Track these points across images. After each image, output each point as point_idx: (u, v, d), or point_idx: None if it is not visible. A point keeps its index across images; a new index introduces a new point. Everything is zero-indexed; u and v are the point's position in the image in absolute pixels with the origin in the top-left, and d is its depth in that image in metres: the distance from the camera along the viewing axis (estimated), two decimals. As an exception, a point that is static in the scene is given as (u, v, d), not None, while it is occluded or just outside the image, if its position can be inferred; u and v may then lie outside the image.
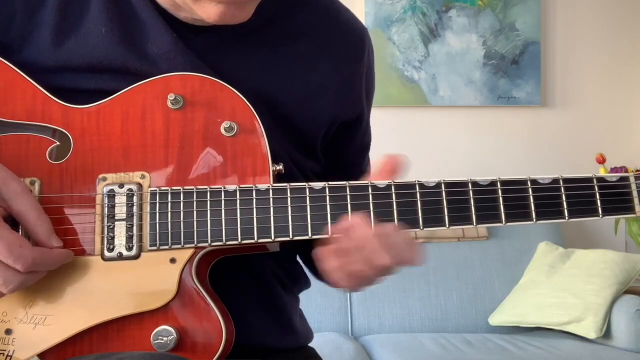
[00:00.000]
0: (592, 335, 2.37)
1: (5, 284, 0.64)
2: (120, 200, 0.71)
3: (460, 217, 0.71)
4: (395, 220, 0.70)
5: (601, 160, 2.78)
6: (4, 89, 0.73)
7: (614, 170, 2.79)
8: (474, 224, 0.71)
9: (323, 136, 0.85)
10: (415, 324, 2.65)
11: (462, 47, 3.10)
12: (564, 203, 0.71)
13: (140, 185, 0.71)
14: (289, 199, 0.70)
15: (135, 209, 0.71)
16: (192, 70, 0.75)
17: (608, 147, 3.02)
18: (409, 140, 3.10)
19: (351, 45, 0.88)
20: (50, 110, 0.73)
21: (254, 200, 0.70)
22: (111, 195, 0.71)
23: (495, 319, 2.63)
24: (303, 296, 0.95)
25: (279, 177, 0.74)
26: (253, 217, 0.70)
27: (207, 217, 0.70)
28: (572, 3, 3.20)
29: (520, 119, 3.17)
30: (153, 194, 0.71)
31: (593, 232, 3.14)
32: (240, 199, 0.71)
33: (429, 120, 3.12)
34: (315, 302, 2.63)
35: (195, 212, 0.70)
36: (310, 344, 0.94)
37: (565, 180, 0.72)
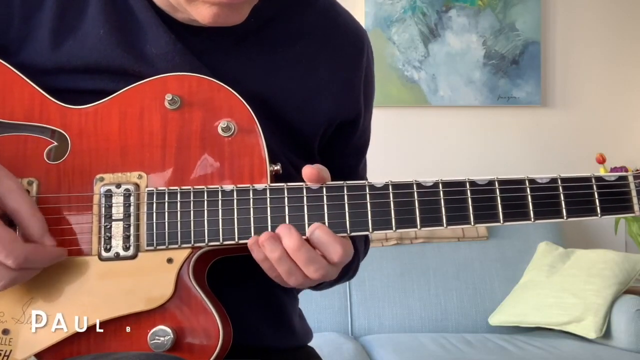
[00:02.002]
0: (592, 335, 2.37)
1: None
2: (118, 200, 0.71)
3: (457, 216, 0.70)
4: (393, 219, 0.70)
5: (601, 160, 2.78)
6: (2, 90, 0.73)
7: (614, 170, 2.79)
8: (472, 223, 0.70)
9: (320, 137, 0.85)
10: (415, 324, 2.65)
11: (462, 47, 3.10)
12: (563, 202, 0.71)
13: (137, 186, 0.71)
14: (286, 198, 0.70)
15: (132, 209, 0.71)
16: (190, 71, 0.74)
17: (608, 147, 3.02)
18: (408, 140, 3.10)
19: (350, 47, 0.88)
20: (48, 111, 0.73)
21: (251, 200, 0.70)
22: (108, 196, 0.71)
23: (495, 319, 2.63)
24: (303, 296, 0.95)
25: (276, 178, 0.74)
26: (250, 217, 0.70)
27: (204, 217, 0.70)
28: (572, 3, 3.20)
29: (520, 119, 3.16)
30: (150, 194, 0.71)
31: (593, 232, 3.13)
32: (237, 199, 0.70)
33: (428, 120, 3.12)
34: (315, 302, 2.63)
35: (192, 212, 0.70)
36: (310, 344, 0.94)
37: (564, 180, 0.71)
